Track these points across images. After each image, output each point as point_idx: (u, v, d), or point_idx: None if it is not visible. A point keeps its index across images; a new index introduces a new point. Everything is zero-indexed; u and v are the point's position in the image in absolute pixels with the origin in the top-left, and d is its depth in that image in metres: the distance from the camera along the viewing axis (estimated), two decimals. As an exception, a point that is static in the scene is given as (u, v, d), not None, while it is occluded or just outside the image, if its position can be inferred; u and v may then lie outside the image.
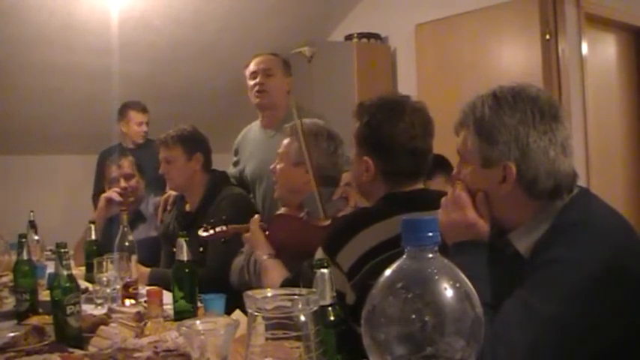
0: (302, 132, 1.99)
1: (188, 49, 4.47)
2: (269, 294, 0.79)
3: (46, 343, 1.56)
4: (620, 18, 4.47)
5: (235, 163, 3.04)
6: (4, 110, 4.28)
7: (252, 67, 2.86)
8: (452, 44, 4.16)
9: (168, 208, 2.86)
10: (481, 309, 0.64)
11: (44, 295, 2.04)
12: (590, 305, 1.12)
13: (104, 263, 2.11)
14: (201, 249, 2.33)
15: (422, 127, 1.66)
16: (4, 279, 2.33)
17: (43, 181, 4.75)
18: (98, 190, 3.46)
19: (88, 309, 1.95)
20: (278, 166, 2.23)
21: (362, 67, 4.43)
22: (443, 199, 1.36)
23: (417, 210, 1.49)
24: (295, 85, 2.97)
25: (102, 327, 1.64)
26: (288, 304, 0.76)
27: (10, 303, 2.05)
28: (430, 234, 0.66)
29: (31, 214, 3.07)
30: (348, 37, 4.60)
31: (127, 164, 3.06)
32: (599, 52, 4.42)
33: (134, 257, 2.17)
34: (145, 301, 1.86)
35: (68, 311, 1.60)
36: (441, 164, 2.39)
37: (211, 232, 2.21)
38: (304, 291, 0.82)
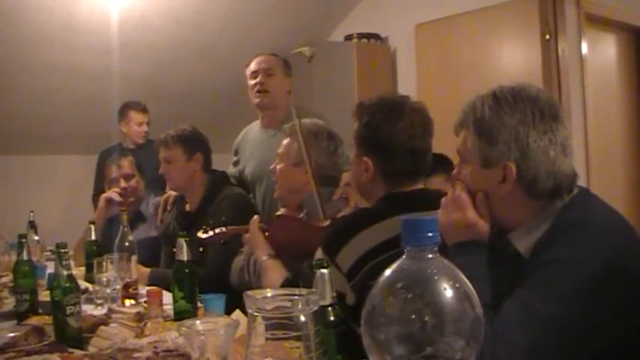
0: (301, 132, 1.99)
1: (188, 49, 4.47)
2: (269, 294, 0.79)
3: (45, 343, 1.56)
4: (620, 18, 4.47)
5: (235, 163, 3.04)
6: (4, 110, 4.28)
7: (252, 66, 2.86)
8: (452, 44, 4.15)
9: (168, 208, 2.85)
10: (481, 309, 0.64)
11: (44, 296, 2.04)
12: (590, 305, 1.12)
13: (104, 263, 2.11)
14: (201, 249, 2.33)
15: (421, 127, 1.66)
16: (4, 279, 2.33)
17: (43, 181, 4.74)
18: (98, 191, 3.45)
19: (88, 309, 1.95)
20: (278, 167, 2.22)
21: (362, 67, 4.43)
22: (443, 200, 1.36)
23: (417, 210, 1.49)
24: (295, 85, 2.97)
25: (102, 327, 1.64)
26: (288, 304, 0.76)
27: (10, 303, 2.05)
28: (430, 234, 0.66)
29: (31, 214, 3.07)
30: (348, 37, 4.59)
31: (127, 164, 3.06)
32: (599, 52, 4.42)
33: (134, 257, 2.17)
34: (145, 302, 1.86)
35: (68, 311, 1.60)
36: (442, 162, 2.38)
37: (211, 233, 2.21)
38: (304, 291, 0.82)
